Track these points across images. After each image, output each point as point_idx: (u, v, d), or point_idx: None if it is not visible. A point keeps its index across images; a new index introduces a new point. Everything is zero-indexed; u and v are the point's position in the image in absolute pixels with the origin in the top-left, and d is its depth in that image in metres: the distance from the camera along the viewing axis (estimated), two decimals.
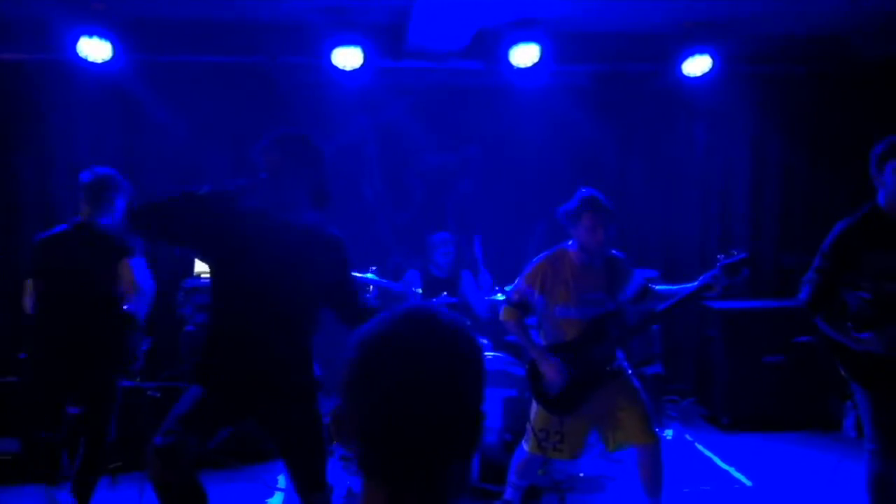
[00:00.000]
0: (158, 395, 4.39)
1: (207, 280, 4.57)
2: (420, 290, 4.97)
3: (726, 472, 4.42)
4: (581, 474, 4.24)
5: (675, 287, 3.54)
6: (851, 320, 2.98)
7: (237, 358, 2.67)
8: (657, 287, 3.56)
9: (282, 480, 4.27)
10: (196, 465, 2.57)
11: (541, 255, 3.46)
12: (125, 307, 3.47)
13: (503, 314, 3.50)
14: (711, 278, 3.27)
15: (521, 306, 3.43)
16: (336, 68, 4.80)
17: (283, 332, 2.68)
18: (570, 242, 3.41)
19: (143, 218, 2.64)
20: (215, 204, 2.60)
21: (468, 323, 1.14)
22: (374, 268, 4.54)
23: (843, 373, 3.05)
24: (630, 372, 3.44)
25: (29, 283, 3.52)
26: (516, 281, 3.47)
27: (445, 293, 4.75)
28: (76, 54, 4.53)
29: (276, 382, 2.69)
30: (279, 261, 2.64)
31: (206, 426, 2.64)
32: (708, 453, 4.73)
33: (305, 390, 2.76)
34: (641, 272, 3.74)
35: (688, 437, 4.98)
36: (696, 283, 3.33)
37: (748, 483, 4.24)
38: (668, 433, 4.98)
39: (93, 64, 4.61)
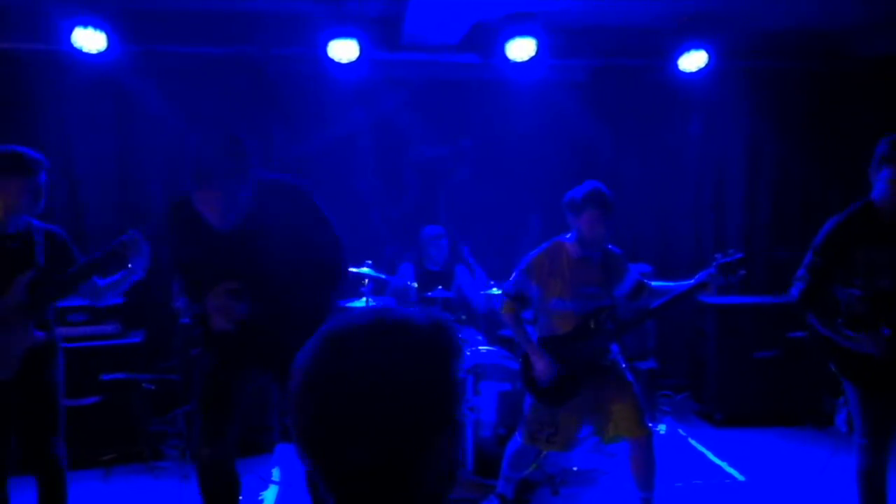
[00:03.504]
0: (153, 387, 4.39)
1: None
2: (415, 284, 4.98)
3: (719, 466, 4.45)
4: (574, 468, 4.26)
5: (670, 284, 3.56)
6: (843, 317, 2.99)
7: (239, 332, 2.75)
8: (652, 283, 3.58)
9: (276, 473, 4.28)
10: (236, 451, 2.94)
11: (538, 248, 3.47)
12: None
13: (502, 307, 3.52)
14: (707, 277, 3.28)
15: (518, 299, 3.44)
16: (332, 60, 4.78)
17: (281, 308, 2.71)
18: (567, 235, 3.42)
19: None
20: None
21: (450, 324, 1.07)
22: (369, 261, 4.55)
23: (833, 369, 3.07)
24: (624, 366, 3.45)
25: None
26: (513, 274, 3.48)
27: (440, 287, 4.76)
28: (71, 44, 4.50)
29: (282, 342, 2.73)
30: (249, 255, 2.67)
31: (232, 402, 2.85)
32: (701, 448, 4.75)
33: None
34: (636, 267, 3.75)
35: (681, 431, 5.00)
36: (691, 282, 3.34)
37: (741, 478, 4.27)
38: (662, 428, 4.99)
39: (87, 54, 4.57)
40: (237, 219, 2.64)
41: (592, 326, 3.34)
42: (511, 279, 3.48)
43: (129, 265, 3.10)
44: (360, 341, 0.97)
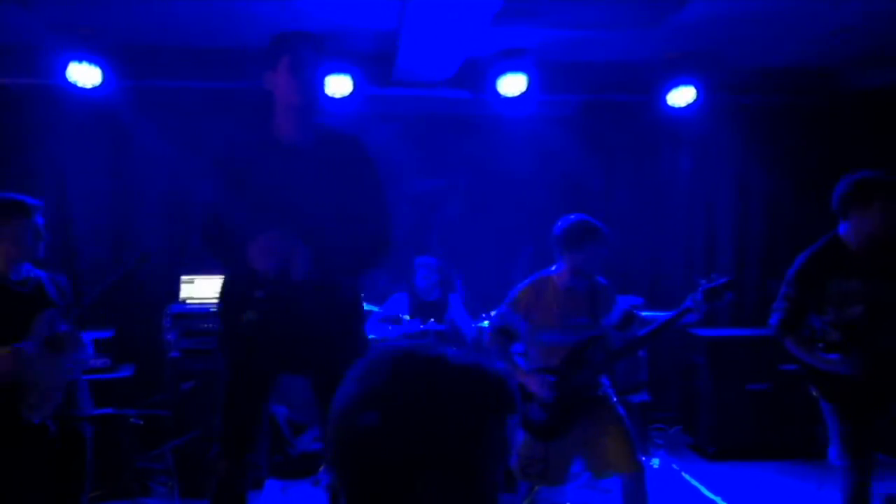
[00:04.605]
0: (141, 422, 4.34)
1: (193, 306, 4.62)
2: (407, 316, 4.98)
3: (713, 501, 4.40)
4: (567, 503, 4.22)
5: (659, 314, 3.57)
6: (821, 343, 3.11)
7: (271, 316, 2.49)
8: (642, 314, 3.59)
9: None
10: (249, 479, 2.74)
11: (524, 280, 3.49)
12: None
13: (488, 339, 3.53)
14: (693, 302, 3.30)
15: (505, 331, 3.45)
16: (326, 95, 4.83)
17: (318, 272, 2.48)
18: (553, 268, 3.44)
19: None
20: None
21: (496, 374, 1.06)
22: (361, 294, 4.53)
23: (814, 392, 3.17)
24: (615, 399, 3.44)
25: None
26: (500, 306, 3.50)
27: (433, 320, 4.75)
28: (65, 79, 4.54)
29: (316, 332, 2.52)
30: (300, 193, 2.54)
31: (257, 422, 2.66)
32: (694, 482, 4.71)
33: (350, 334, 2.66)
34: (626, 299, 3.76)
35: (674, 466, 4.96)
36: (678, 308, 3.36)
37: None
38: (655, 462, 4.96)
39: (82, 89, 4.61)
40: (309, 138, 2.60)
41: (581, 357, 3.34)
42: (498, 311, 3.51)
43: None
44: (386, 372, 0.97)
